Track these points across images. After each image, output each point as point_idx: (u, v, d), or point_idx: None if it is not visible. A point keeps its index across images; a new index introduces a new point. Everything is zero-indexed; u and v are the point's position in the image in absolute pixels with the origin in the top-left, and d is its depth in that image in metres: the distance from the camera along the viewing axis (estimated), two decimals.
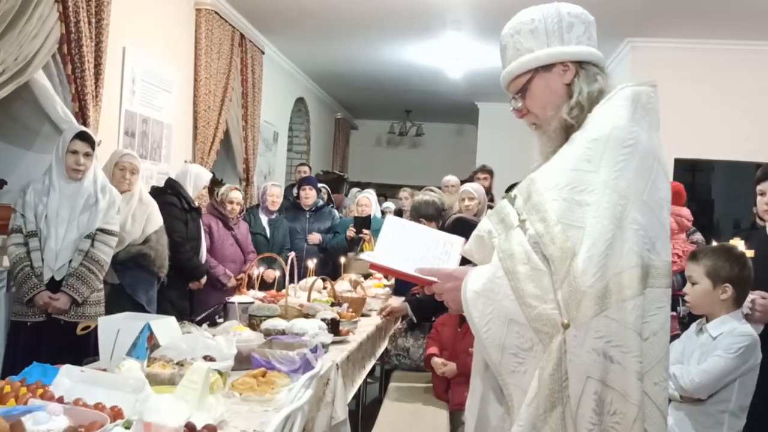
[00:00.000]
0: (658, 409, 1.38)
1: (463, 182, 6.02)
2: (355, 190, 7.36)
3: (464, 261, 1.64)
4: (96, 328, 2.34)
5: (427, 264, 1.61)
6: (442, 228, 3.82)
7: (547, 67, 1.55)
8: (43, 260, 3.23)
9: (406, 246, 1.65)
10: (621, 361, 1.34)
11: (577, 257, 1.36)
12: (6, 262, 3.44)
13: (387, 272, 1.69)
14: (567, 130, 1.52)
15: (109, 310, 3.32)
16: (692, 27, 5.85)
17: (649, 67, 6.02)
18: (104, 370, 2.02)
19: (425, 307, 3.78)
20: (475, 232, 1.58)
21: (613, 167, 1.40)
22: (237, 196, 5.07)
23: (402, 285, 4.91)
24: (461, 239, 1.66)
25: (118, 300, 3.60)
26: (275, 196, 5.59)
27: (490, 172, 6.52)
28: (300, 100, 9.25)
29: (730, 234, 5.78)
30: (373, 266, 1.66)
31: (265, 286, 4.34)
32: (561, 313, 1.36)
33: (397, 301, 4.07)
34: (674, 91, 5.61)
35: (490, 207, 4.86)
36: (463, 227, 3.73)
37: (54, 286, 3.24)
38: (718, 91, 6.09)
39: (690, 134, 5.94)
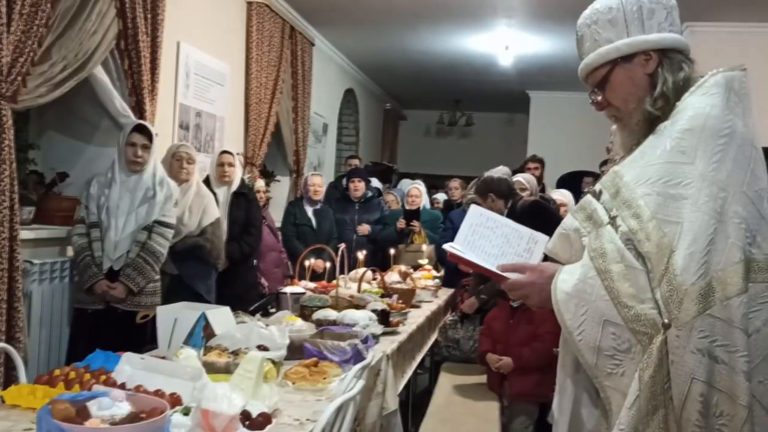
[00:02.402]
0: (764, 408, 1.32)
1: (514, 173, 5.95)
2: (406, 180, 7.33)
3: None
4: (154, 316, 2.42)
5: (508, 260, 1.56)
6: (512, 209, 3.76)
7: (628, 58, 1.48)
8: (103, 250, 3.34)
9: (487, 239, 1.59)
10: (727, 361, 1.28)
11: (675, 254, 1.30)
12: (70, 252, 3.57)
13: (465, 263, 1.65)
14: (651, 122, 1.46)
15: (170, 300, 3.41)
16: (752, 10, 5.63)
17: (707, 53, 5.73)
18: (163, 357, 2.07)
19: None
20: (559, 230, 1.53)
21: (711, 158, 1.34)
22: (262, 184, 5.14)
23: (452, 277, 4.89)
24: (546, 237, 1.60)
25: (178, 290, 3.70)
26: (317, 185, 5.64)
27: (541, 162, 6.42)
28: (349, 92, 9.27)
29: None
30: (452, 256, 1.61)
31: (315, 276, 4.38)
32: (660, 313, 1.30)
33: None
34: None
35: (541, 197, 4.79)
36: (541, 212, 3.68)
37: (113, 275, 3.34)
38: None
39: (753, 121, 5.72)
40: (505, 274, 1.53)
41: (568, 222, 1.51)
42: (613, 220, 1.39)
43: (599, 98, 1.54)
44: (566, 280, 1.41)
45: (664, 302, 1.30)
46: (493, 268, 1.56)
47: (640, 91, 1.48)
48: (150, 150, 3.46)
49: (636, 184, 1.39)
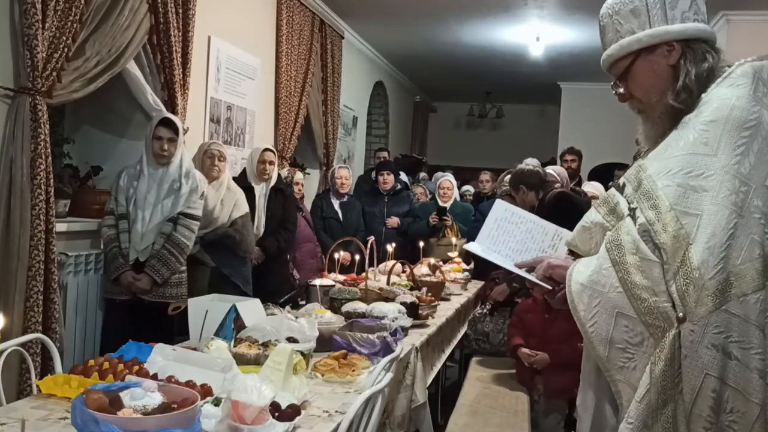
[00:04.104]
0: None
1: (543, 165, 5.89)
2: (439, 173, 7.30)
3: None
4: (183, 309, 2.45)
5: (531, 255, 1.57)
6: (542, 201, 3.73)
7: (650, 49, 1.45)
8: (129, 242, 3.39)
9: (511, 234, 1.59)
10: (741, 358, 1.26)
11: (692, 247, 1.28)
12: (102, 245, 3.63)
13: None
14: (675, 115, 1.44)
15: (212, 291, 3.43)
16: None
17: (745, 42, 5.66)
18: (194, 349, 2.10)
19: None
20: (581, 223, 1.52)
21: (734, 151, 1.31)
22: (301, 177, 5.18)
23: (483, 269, 4.87)
24: (571, 233, 1.60)
25: (218, 281, 3.75)
26: (344, 178, 5.66)
27: (579, 154, 6.34)
28: (379, 84, 9.26)
29: None
30: (474, 255, 1.64)
31: (342, 269, 4.40)
32: (675, 306, 1.28)
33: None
34: None
35: (573, 190, 4.74)
36: (566, 203, 3.64)
37: (139, 266, 3.39)
38: None
39: None
40: (519, 271, 1.53)
41: (591, 215, 1.50)
42: (632, 212, 1.38)
43: (621, 90, 1.52)
44: (581, 271, 1.41)
45: (680, 296, 1.28)
46: (512, 268, 1.55)
47: (662, 82, 1.46)
48: (176, 143, 3.49)
49: (657, 176, 1.37)
